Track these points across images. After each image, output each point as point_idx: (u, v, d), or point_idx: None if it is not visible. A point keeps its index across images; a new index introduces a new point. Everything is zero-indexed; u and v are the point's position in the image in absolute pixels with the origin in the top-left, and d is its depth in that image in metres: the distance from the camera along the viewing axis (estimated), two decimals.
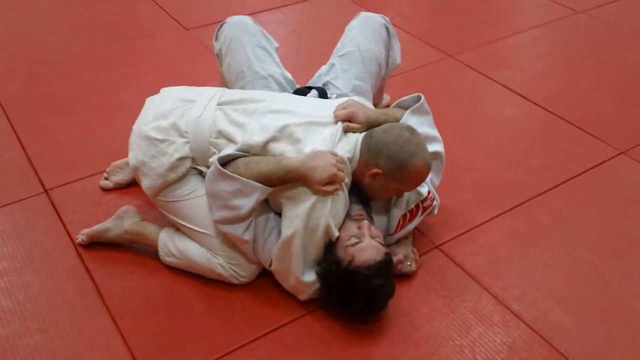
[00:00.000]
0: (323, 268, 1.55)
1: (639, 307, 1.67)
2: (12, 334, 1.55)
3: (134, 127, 1.71)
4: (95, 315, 1.61)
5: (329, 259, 1.54)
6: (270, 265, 1.61)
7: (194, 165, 1.65)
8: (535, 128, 2.38)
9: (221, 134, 1.62)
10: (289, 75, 1.96)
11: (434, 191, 1.76)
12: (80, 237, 1.78)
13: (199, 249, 1.66)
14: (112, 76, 2.58)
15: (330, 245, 1.55)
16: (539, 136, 2.33)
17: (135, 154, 1.67)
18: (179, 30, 2.95)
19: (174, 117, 1.66)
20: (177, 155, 1.62)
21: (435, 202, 1.76)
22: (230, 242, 1.62)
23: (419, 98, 1.72)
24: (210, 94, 1.72)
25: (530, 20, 3.13)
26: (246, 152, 1.58)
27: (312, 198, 1.51)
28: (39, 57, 2.72)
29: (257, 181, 1.50)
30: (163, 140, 1.63)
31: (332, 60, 2.01)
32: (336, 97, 1.87)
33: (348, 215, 1.59)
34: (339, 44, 2.04)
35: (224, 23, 1.99)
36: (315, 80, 2.00)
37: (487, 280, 1.73)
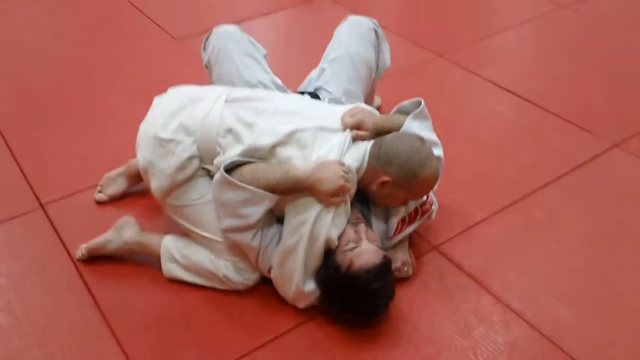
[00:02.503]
0: (322, 274, 1.55)
1: (638, 301, 1.68)
2: (12, 351, 1.54)
3: (141, 127, 1.70)
4: (95, 328, 1.60)
5: (328, 265, 1.54)
6: (269, 272, 1.61)
7: (202, 165, 1.65)
8: (527, 124, 2.39)
9: (229, 133, 1.61)
10: (278, 81, 1.96)
11: (432, 196, 1.77)
12: (79, 252, 1.78)
13: (203, 252, 1.66)
14: (102, 88, 2.57)
15: (329, 252, 1.56)
16: (530, 132, 2.34)
17: (144, 154, 1.66)
18: (168, 40, 2.94)
19: (181, 116, 1.65)
20: (185, 155, 1.61)
21: (433, 207, 1.76)
22: (236, 247, 1.62)
23: (420, 103, 1.72)
24: (218, 91, 1.72)
25: (517, 17, 3.15)
26: (252, 154, 1.57)
27: (318, 207, 1.51)
28: (28, 70, 2.71)
29: (263, 190, 1.50)
30: (171, 140, 1.62)
31: (322, 64, 2.01)
32: (329, 101, 1.88)
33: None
34: (328, 49, 2.04)
35: (210, 33, 1.99)
36: (306, 85, 2.01)
37: (486, 280, 1.74)
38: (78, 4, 3.28)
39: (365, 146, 1.61)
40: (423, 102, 1.72)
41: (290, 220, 1.54)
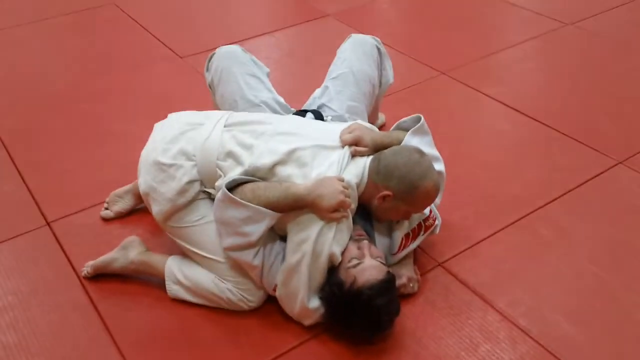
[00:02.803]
0: (326, 291, 1.56)
1: None
2: None
3: (143, 153, 1.72)
4: (102, 347, 1.60)
5: (332, 282, 1.54)
6: (274, 290, 1.61)
7: (202, 188, 1.66)
8: (531, 141, 2.40)
9: (229, 156, 1.63)
10: (281, 99, 1.97)
11: (435, 211, 1.77)
12: (85, 270, 1.78)
13: (207, 275, 1.66)
14: (109, 106, 2.60)
15: (332, 269, 1.56)
16: (535, 149, 2.35)
17: (145, 179, 1.68)
18: (174, 58, 2.98)
19: (181, 141, 1.67)
20: (186, 179, 1.63)
21: (437, 222, 1.77)
22: (238, 268, 1.62)
23: (419, 119, 1.74)
24: (217, 116, 1.74)
25: (521, 35, 3.17)
26: (252, 175, 1.59)
27: (319, 223, 1.51)
28: (35, 89, 2.74)
29: (264, 207, 1.51)
30: (171, 165, 1.64)
31: (325, 83, 2.03)
32: (332, 119, 1.89)
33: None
34: (331, 67, 2.06)
35: (213, 54, 2.01)
36: (310, 103, 2.02)
37: (491, 296, 1.73)
38: (85, 23, 3.33)
39: (365, 162, 1.62)
40: (423, 118, 1.73)
41: (293, 238, 1.54)
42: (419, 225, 1.72)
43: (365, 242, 1.58)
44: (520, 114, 2.53)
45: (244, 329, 1.64)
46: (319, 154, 1.61)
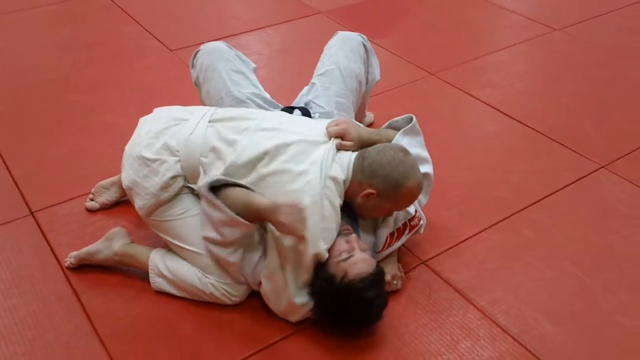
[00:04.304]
0: (316, 287, 1.56)
1: (623, 319, 1.70)
2: None
3: (127, 147, 1.72)
4: (84, 337, 1.60)
5: (321, 277, 1.55)
6: (259, 286, 1.61)
7: (186, 183, 1.66)
8: (517, 144, 2.42)
9: (211, 152, 1.63)
10: (267, 95, 1.97)
11: (420, 211, 1.79)
12: (69, 260, 1.78)
13: (190, 269, 1.66)
14: (97, 97, 2.59)
15: (321, 265, 1.56)
16: (520, 152, 2.37)
17: (128, 174, 1.68)
18: (164, 51, 2.97)
19: (165, 136, 1.67)
20: (169, 174, 1.63)
21: (422, 222, 1.78)
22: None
23: (411, 119, 1.75)
24: (202, 112, 1.74)
25: (510, 38, 3.20)
26: (234, 171, 1.59)
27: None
28: (24, 78, 2.72)
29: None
30: (155, 160, 1.64)
31: (312, 79, 2.03)
32: (319, 116, 1.90)
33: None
34: (319, 64, 2.07)
35: (198, 51, 2.01)
36: (298, 101, 2.02)
37: (473, 295, 1.75)
38: (75, 13, 3.30)
39: (350, 157, 1.63)
40: (415, 118, 1.74)
41: (275, 234, 1.54)
42: (404, 224, 1.73)
43: (354, 235, 1.59)
44: (506, 117, 2.56)
45: (227, 323, 1.65)
46: (304, 148, 1.61)
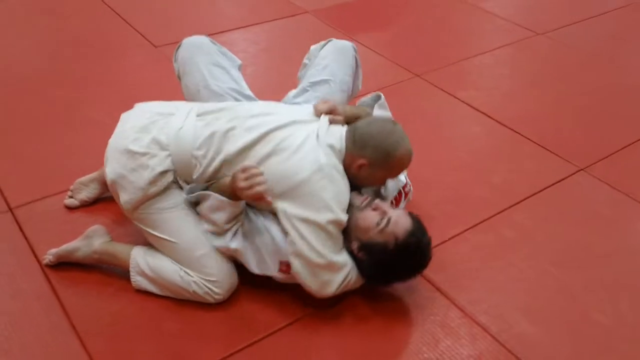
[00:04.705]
0: (371, 261, 1.59)
1: (602, 319, 1.72)
2: None
3: (111, 141, 1.70)
4: (63, 336, 1.58)
5: (373, 251, 1.58)
6: (283, 270, 1.61)
7: (174, 179, 1.65)
8: (500, 145, 2.45)
9: (204, 144, 1.64)
10: (249, 92, 1.94)
11: (407, 178, 1.90)
12: (48, 258, 1.75)
13: (173, 266, 1.65)
14: (80, 93, 2.56)
15: (362, 244, 1.59)
16: (503, 153, 2.40)
17: (113, 167, 1.65)
18: (148, 47, 2.95)
19: (153, 131, 1.66)
20: (159, 169, 1.62)
21: (410, 188, 1.89)
22: (207, 258, 1.62)
23: (379, 97, 1.85)
24: (188, 107, 1.74)
25: (494, 42, 3.23)
26: (231, 161, 1.61)
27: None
28: (3, 72, 2.68)
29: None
30: (144, 154, 1.63)
31: (303, 84, 1.99)
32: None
33: (357, 208, 1.63)
34: (312, 70, 2.01)
35: (180, 44, 1.99)
36: (286, 102, 2.01)
37: (454, 294, 1.76)
38: (58, 10, 3.26)
39: (341, 130, 1.68)
40: (383, 96, 1.85)
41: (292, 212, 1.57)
42: (400, 193, 1.82)
43: (377, 200, 1.65)
44: (489, 119, 2.58)
45: (210, 321, 1.64)
46: (298, 128, 1.65)
